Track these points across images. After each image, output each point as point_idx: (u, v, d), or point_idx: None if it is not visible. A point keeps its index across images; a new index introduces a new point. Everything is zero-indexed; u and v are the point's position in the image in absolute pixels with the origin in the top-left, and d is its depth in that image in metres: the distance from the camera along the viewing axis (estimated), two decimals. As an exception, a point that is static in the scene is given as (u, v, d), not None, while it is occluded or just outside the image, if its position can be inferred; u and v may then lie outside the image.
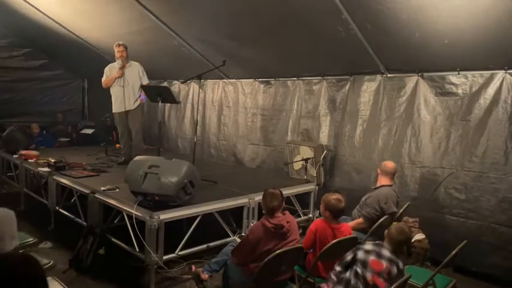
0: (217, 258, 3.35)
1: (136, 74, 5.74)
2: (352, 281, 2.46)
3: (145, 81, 5.80)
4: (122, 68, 5.64)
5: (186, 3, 5.17)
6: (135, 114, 5.84)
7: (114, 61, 5.76)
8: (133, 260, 3.84)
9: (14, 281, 1.70)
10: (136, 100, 5.77)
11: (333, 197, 3.26)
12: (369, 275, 2.44)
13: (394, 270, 2.49)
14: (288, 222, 3.07)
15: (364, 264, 2.48)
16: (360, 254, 2.53)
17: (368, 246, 2.59)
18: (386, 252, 2.52)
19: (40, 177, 5.59)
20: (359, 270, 2.47)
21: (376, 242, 2.69)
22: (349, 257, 2.58)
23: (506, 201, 3.99)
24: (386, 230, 2.70)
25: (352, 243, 3.23)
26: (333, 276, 2.60)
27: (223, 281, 3.29)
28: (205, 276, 3.30)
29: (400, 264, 2.56)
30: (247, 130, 6.66)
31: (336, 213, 3.25)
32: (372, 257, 2.50)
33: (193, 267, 3.54)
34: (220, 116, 7.13)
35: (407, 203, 4.28)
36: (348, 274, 2.51)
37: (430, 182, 4.51)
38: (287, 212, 3.18)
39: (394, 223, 3.48)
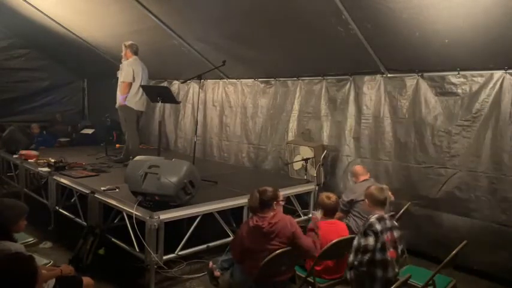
0: (226, 256, 3.37)
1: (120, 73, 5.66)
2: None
3: (120, 79, 5.58)
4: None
5: (186, 4, 5.17)
6: (119, 113, 5.82)
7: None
8: (134, 260, 3.84)
9: (5, 278, 1.76)
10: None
11: (324, 195, 3.41)
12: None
13: (395, 234, 2.94)
14: (271, 223, 2.97)
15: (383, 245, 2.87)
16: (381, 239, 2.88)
17: (378, 226, 2.87)
18: (388, 223, 2.92)
19: (40, 177, 5.60)
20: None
21: (377, 216, 2.92)
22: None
23: (506, 201, 3.98)
24: (368, 198, 3.04)
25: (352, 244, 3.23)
26: None
27: (230, 278, 3.31)
28: (217, 273, 3.33)
29: (395, 223, 3.02)
30: (247, 130, 6.66)
31: (328, 210, 3.36)
32: (385, 235, 2.88)
33: (211, 264, 3.51)
34: (222, 116, 7.11)
35: (408, 203, 4.29)
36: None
37: (432, 182, 4.50)
38: (278, 213, 3.08)
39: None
